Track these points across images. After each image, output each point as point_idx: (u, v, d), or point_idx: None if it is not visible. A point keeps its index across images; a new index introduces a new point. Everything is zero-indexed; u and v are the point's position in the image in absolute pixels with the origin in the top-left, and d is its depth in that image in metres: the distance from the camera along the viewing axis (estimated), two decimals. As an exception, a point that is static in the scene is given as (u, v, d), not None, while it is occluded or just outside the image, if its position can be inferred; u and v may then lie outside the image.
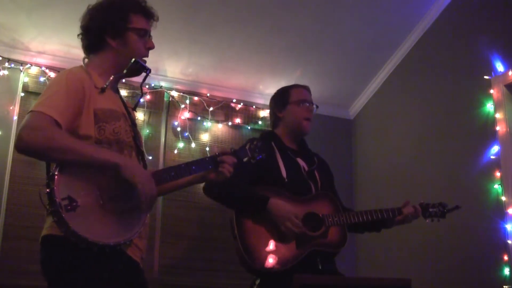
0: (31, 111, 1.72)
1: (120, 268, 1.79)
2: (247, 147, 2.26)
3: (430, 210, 2.81)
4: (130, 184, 1.71)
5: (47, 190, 1.64)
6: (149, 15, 2.05)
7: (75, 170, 1.69)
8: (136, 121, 2.19)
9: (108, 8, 1.98)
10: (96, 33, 1.96)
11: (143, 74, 2.04)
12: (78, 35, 2.01)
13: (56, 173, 1.65)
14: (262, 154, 2.29)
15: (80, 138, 1.77)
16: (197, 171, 2.00)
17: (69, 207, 1.63)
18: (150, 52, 2.07)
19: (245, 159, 2.22)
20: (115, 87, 2.06)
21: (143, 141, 2.13)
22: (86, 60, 2.01)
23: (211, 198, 2.64)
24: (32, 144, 1.65)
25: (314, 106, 2.89)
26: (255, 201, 2.49)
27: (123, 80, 2.23)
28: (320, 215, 2.57)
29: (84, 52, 2.03)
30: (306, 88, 2.93)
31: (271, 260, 2.42)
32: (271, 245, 2.45)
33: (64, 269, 1.73)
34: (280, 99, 2.90)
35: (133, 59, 1.97)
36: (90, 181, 1.71)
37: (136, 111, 2.18)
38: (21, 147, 1.67)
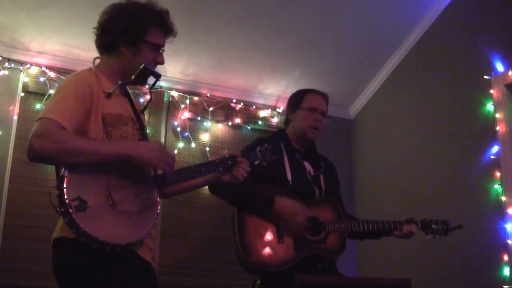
0: (39, 118, 1.72)
1: (132, 268, 1.79)
2: (257, 150, 2.26)
3: (433, 226, 2.77)
4: (147, 168, 1.78)
5: (58, 191, 1.64)
6: (169, 32, 2.03)
7: (84, 171, 1.70)
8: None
9: (130, 14, 1.94)
10: (112, 35, 1.93)
11: (151, 79, 2.03)
12: (93, 28, 1.98)
13: (65, 174, 1.66)
14: (273, 157, 2.29)
15: None
16: (207, 173, 2.03)
17: (79, 208, 1.63)
18: None
19: (256, 162, 2.23)
20: (124, 90, 2.05)
21: None
22: (97, 61, 1.99)
23: (217, 196, 2.63)
24: (42, 151, 1.66)
25: (327, 116, 2.82)
26: (261, 201, 2.48)
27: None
28: (322, 221, 2.57)
29: (97, 50, 2.01)
30: (323, 96, 2.84)
31: (266, 259, 2.42)
32: (269, 245, 2.45)
33: (76, 271, 1.73)
34: (294, 101, 2.86)
35: (142, 65, 1.95)
36: (100, 182, 1.72)
37: (144, 114, 2.17)
38: (32, 156, 1.67)
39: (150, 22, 1.96)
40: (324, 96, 2.85)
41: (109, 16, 1.95)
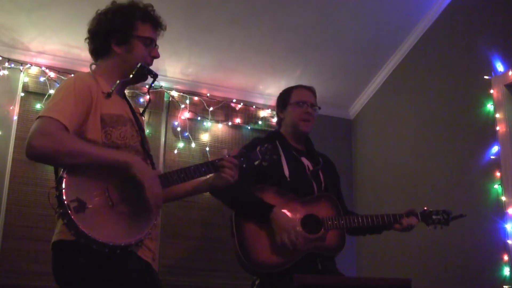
0: (39, 116, 1.72)
1: (132, 269, 1.79)
2: (257, 150, 2.24)
3: (434, 217, 2.73)
4: (138, 183, 1.72)
5: (56, 192, 1.64)
6: (157, 25, 2.05)
7: (83, 172, 1.70)
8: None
9: (116, 14, 1.97)
10: (102, 38, 1.96)
11: (149, 80, 2.04)
12: (85, 39, 2.01)
13: (64, 175, 1.66)
14: (273, 157, 2.29)
15: None
16: (208, 173, 2.00)
17: (78, 209, 1.63)
18: None
19: (256, 162, 2.20)
20: (122, 93, 2.06)
21: (149, 145, 2.13)
22: (94, 66, 2.01)
23: (217, 199, 2.63)
24: (42, 150, 1.66)
25: (317, 108, 2.85)
26: (259, 209, 2.49)
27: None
28: (320, 218, 2.56)
29: (91, 57, 2.04)
30: (309, 89, 2.88)
31: (265, 260, 2.42)
32: (267, 245, 2.45)
33: (76, 273, 1.73)
34: (282, 100, 2.88)
35: (139, 64, 1.96)
36: (100, 183, 1.72)
37: (144, 116, 2.18)
38: (31, 153, 1.67)
39: (136, 18, 1.98)
40: (310, 89, 2.88)
41: (96, 21, 1.99)
